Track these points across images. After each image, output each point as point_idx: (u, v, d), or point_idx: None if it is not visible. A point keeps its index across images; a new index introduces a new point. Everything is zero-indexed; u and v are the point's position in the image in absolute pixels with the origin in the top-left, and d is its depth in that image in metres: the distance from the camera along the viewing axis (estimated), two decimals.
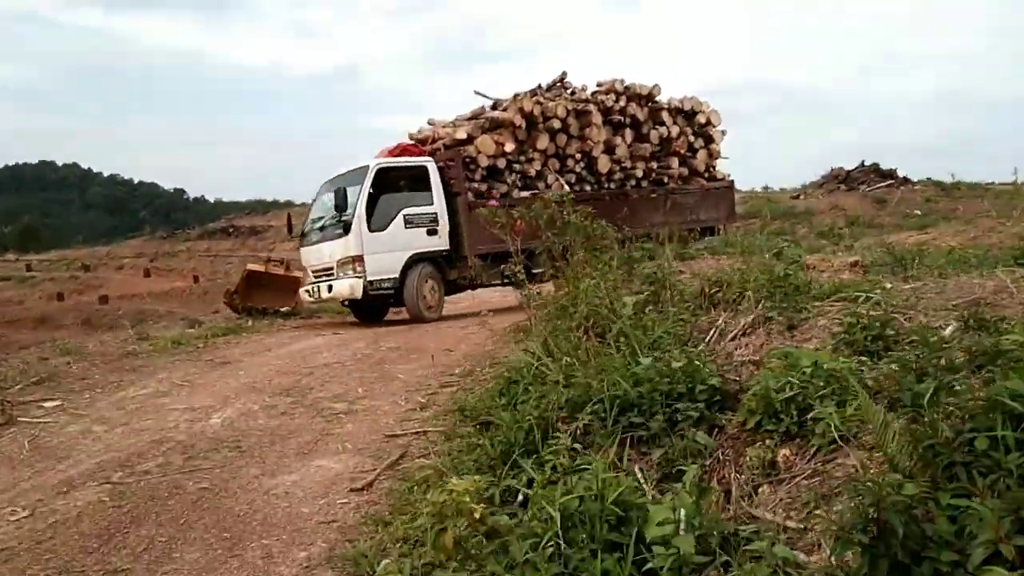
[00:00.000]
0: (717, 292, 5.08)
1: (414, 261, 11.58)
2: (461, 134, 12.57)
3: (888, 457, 2.29)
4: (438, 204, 11.95)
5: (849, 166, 32.02)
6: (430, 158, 12.37)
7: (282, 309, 13.10)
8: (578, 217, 6.29)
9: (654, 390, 3.55)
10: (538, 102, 12.83)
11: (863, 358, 3.32)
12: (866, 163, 33.19)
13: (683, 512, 2.50)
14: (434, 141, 13.20)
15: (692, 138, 14.78)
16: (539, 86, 13.85)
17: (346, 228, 11.12)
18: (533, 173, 12.95)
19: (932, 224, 17.01)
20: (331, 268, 11.41)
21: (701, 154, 14.82)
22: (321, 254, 11.72)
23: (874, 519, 1.95)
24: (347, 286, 11.14)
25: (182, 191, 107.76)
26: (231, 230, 51.10)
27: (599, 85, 14.02)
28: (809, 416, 2.95)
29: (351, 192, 11.37)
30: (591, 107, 13.26)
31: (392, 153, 12.41)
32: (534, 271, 13.12)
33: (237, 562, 3.66)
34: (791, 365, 3.32)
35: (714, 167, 15.18)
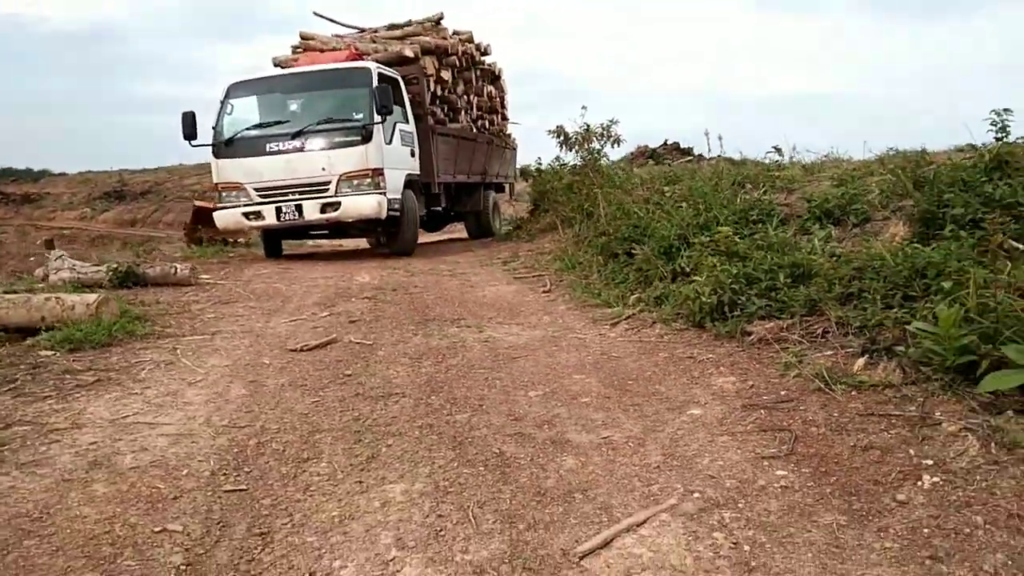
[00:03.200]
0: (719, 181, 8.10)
1: (406, 184, 10.22)
2: (408, 52, 11.18)
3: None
4: (412, 123, 10.69)
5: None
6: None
7: (239, 240, 14.43)
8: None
9: (746, 211, 6.49)
10: (444, 37, 12.54)
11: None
12: (668, 142, 38.52)
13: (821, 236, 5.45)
14: (356, 59, 10.93)
15: (497, 99, 15.34)
16: (409, 21, 13.12)
17: (365, 136, 9.29)
18: (459, 105, 12.86)
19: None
20: (320, 184, 9.39)
21: (498, 117, 15.51)
22: (299, 166, 9.43)
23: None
24: (373, 203, 9.33)
25: None
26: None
27: (456, 33, 13.40)
28: (848, 210, 6.03)
29: (354, 96, 9.66)
30: (468, 52, 13.29)
31: (338, 58, 10.68)
32: (453, 210, 14.87)
33: (522, 317, 6.12)
34: (820, 195, 6.40)
35: (505, 129, 16.05)
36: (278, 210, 9.50)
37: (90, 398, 4.05)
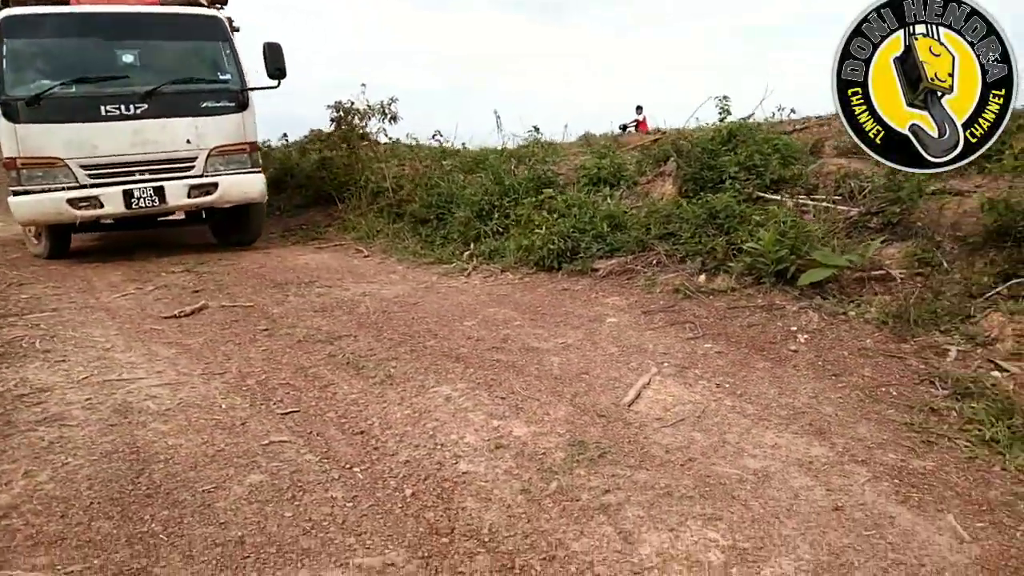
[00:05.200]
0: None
1: None
2: None
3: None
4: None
5: None
6: None
7: None
8: None
9: (537, 179, 7.65)
10: None
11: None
12: None
13: (616, 196, 6.79)
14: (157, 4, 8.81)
15: None
16: None
17: (241, 102, 7.90)
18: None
19: None
20: (184, 160, 7.68)
21: None
22: (154, 137, 7.54)
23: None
24: (258, 184, 8.03)
25: None
26: None
27: None
28: (619, 176, 7.47)
29: (206, 50, 8.09)
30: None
31: (146, 0, 8.33)
32: None
33: (370, 277, 6.61)
34: (592, 165, 7.79)
35: None
36: (127, 195, 7.38)
37: (16, 369, 3.84)
